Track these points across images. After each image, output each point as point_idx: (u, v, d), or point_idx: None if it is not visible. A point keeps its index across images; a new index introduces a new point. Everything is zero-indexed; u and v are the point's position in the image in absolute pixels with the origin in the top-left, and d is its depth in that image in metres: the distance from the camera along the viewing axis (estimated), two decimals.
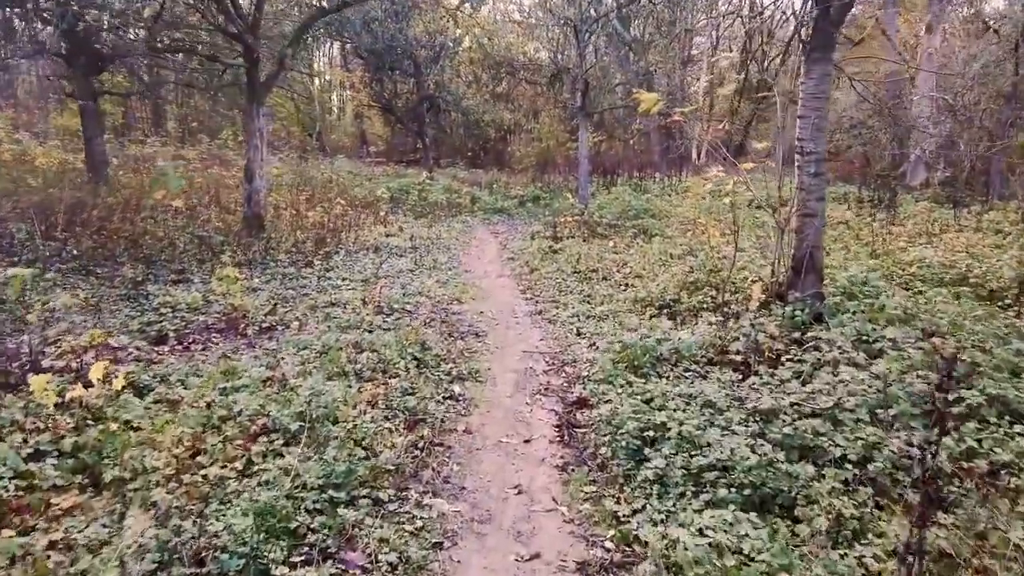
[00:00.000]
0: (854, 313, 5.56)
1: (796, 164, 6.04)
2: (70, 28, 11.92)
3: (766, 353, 5.25)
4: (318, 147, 31.95)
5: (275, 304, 7.51)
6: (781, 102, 7.80)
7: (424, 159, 24.88)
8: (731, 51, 28.30)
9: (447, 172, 24.84)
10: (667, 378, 5.12)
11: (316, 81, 34.69)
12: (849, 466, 3.62)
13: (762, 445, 3.85)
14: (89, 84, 14.95)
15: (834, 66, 5.95)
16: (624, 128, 33.10)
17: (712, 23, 36.82)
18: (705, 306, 7.24)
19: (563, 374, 6.05)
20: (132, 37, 12.67)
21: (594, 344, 6.61)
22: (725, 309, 6.85)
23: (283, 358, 5.76)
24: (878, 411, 3.99)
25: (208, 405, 4.46)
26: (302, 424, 4.17)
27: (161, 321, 6.86)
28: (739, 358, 5.31)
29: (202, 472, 3.59)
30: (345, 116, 42.66)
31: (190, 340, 6.58)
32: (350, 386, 4.97)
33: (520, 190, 20.80)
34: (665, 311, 7.46)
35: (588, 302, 8.36)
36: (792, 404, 4.13)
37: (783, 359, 5.12)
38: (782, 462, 3.61)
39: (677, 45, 30.52)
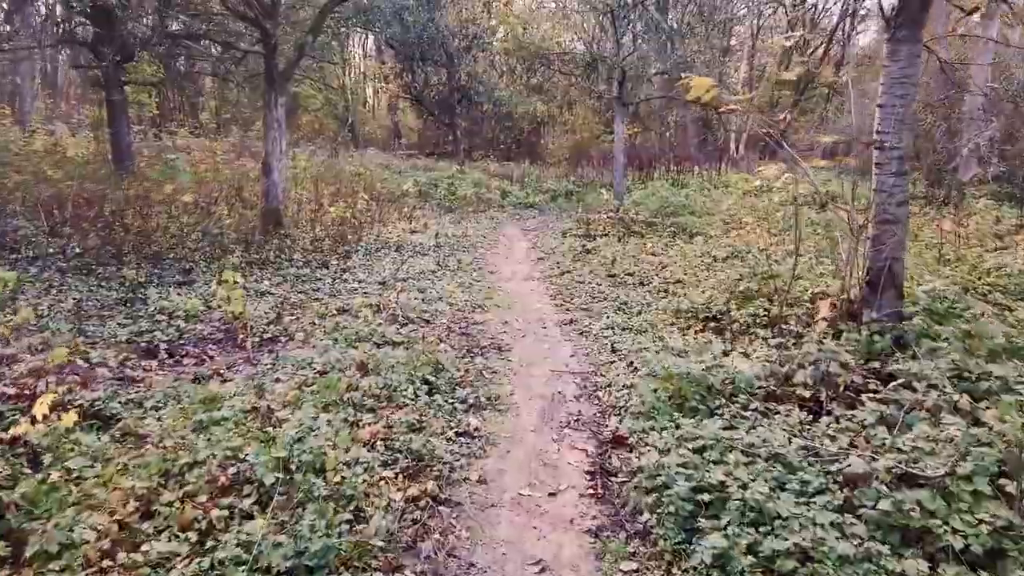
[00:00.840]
0: (947, 340, 4.60)
1: (874, 161, 5.09)
2: (87, 9, 11.40)
3: (841, 388, 4.34)
4: (350, 139, 31.46)
5: (279, 312, 6.79)
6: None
7: (455, 152, 24.10)
8: (792, 31, 26.80)
9: (479, 165, 24.04)
10: (721, 416, 4.25)
11: (349, 72, 34.14)
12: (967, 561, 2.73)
13: (853, 524, 2.98)
14: (116, 73, 14.54)
15: (924, 47, 4.98)
16: (660, 120, 31.92)
17: (753, 11, 35.42)
18: (758, 320, 6.33)
19: (596, 401, 5.21)
20: (148, 22, 12.05)
21: (632, 364, 5.75)
22: (783, 326, 5.93)
23: (277, 379, 5.03)
24: (1002, 481, 3.08)
25: (175, 446, 3.72)
26: (280, 476, 3.41)
27: (154, 331, 6.19)
28: (807, 392, 4.41)
29: (144, 547, 2.85)
30: (379, 108, 42.16)
31: (183, 353, 5.89)
32: (347, 420, 4.21)
33: (552, 184, 19.91)
34: (712, 325, 6.56)
35: (624, 311, 7.49)
36: (888, 468, 3.23)
37: (862, 396, 4.21)
38: (886, 555, 2.74)
39: (718, 33, 29.24)
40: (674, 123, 31.41)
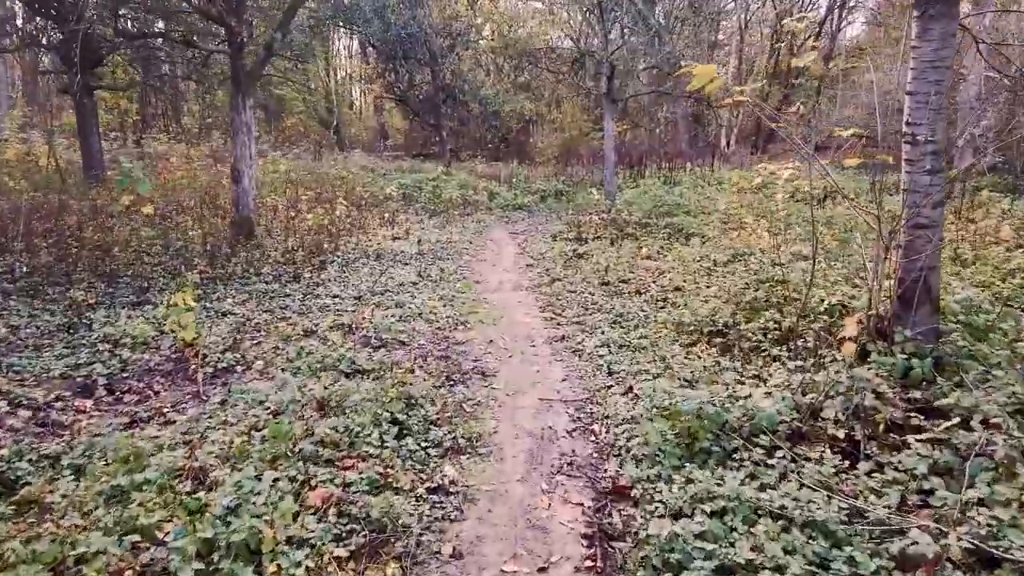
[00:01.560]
0: (999, 364, 3.94)
1: (904, 157, 4.41)
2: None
3: (880, 426, 3.67)
4: (335, 142, 30.65)
5: (236, 338, 6.06)
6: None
7: (441, 152, 23.36)
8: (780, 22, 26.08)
9: (466, 166, 23.30)
10: (741, 464, 3.57)
11: (333, 74, 33.33)
12: None
13: None
14: (84, 79, 13.83)
15: (960, 25, 4.30)
16: (650, 116, 31.25)
17: (741, 5, 34.80)
18: (769, 335, 5.66)
19: (592, 437, 4.52)
20: (96, 17, 11.26)
21: (631, 390, 5.07)
22: (799, 343, 5.26)
23: (225, 421, 4.31)
24: None
25: (75, 527, 3.01)
26: (201, 568, 2.71)
27: (94, 363, 5.46)
28: (839, 431, 3.73)
29: None
30: (366, 110, 41.34)
31: (125, 389, 5.17)
32: (296, 478, 3.50)
33: (542, 184, 19.21)
34: (718, 341, 5.89)
35: (620, 324, 6.80)
36: (964, 548, 2.55)
37: (906, 435, 3.54)
38: None
39: (706, 28, 28.57)
40: (664, 119, 30.77)
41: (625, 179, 19.78)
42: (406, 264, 9.78)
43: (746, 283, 7.01)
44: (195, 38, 11.35)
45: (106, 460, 3.71)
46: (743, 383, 4.61)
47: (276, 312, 7.07)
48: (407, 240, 11.50)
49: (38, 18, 15.76)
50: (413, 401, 4.58)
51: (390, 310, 7.21)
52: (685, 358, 5.56)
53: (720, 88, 4.45)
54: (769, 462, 3.53)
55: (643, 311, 7.12)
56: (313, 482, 3.49)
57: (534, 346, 6.45)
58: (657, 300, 7.51)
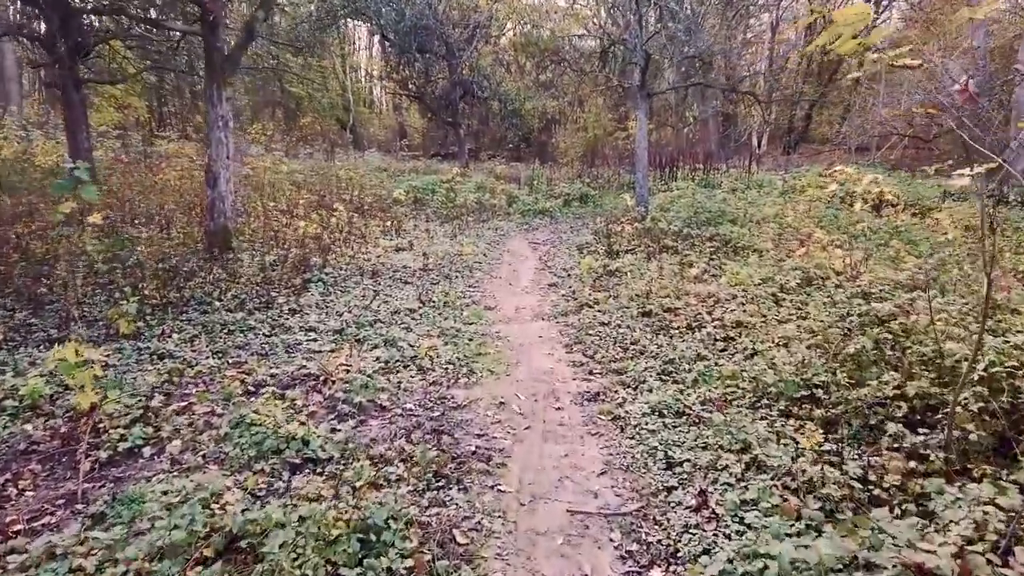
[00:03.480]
0: None
1: None
2: None
3: None
4: (351, 141, 29.16)
5: (147, 407, 4.39)
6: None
7: (459, 152, 21.70)
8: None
9: (485, 166, 21.62)
10: None
11: (349, 70, 31.85)
12: None
13: None
14: (71, 71, 12.49)
15: None
16: (678, 116, 29.33)
17: (773, 1, 32.75)
18: (891, 409, 3.91)
19: None
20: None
21: (704, 503, 3.36)
22: (952, 431, 3.49)
23: (97, 547, 2.68)
24: None
25: None
26: None
27: None
28: None
29: None
30: (385, 108, 39.86)
31: None
32: None
33: (565, 187, 17.45)
34: (816, 413, 4.14)
35: (673, 377, 5.08)
36: None
37: None
38: None
39: (739, 19, 26.60)
40: (693, 118, 28.79)
41: (655, 181, 17.99)
42: (406, 283, 8.12)
43: (836, 321, 5.25)
44: (163, 16, 9.77)
45: None
46: (898, 516, 2.86)
47: (230, 354, 5.44)
48: (412, 251, 9.85)
49: (29, 7, 14.48)
50: (373, 535, 2.90)
51: (376, 351, 5.54)
52: (777, 444, 3.82)
53: (861, 49, 2.73)
54: None
55: (701, 357, 5.38)
56: None
57: (560, 408, 4.74)
58: (717, 340, 5.76)
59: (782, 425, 4.07)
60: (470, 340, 6.06)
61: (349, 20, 24.08)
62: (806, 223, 9.08)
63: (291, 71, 19.76)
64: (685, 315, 6.45)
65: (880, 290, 6.04)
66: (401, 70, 21.41)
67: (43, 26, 13.17)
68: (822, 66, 33.53)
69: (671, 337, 6.00)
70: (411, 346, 5.70)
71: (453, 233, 11.82)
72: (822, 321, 5.56)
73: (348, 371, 4.89)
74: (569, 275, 8.87)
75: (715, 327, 6.04)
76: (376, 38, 29.27)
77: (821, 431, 3.92)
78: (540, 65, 29.54)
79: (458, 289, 7.97)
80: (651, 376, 5.12)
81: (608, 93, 27.33)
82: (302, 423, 3.99)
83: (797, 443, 3.83)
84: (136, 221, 9.28)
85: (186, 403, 4.46)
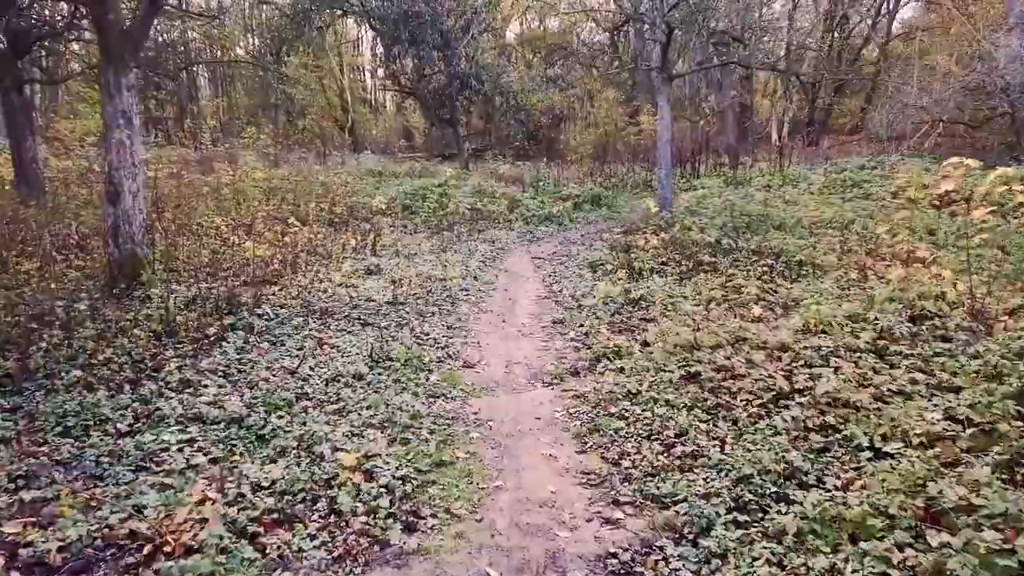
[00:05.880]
0: None
1: None
2: None
3: None
4: (350, 143, 27.16)
5: None
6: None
7: (458, 152, 19.55)
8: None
9: (488, 167, 19.41)
10: None
11: (347, 70, 29.82)
12: None
13: None
14: (10, 69, 10.80)
15: None
16: (694, 106, 26.99)
17: None
18: None
19: None
20: None
21: None
22: None
23: None
24: None
25: None
26: None
27: None
28: None
29: None
30: (387, 109, 37.84)
31: None
32: None
33: (575, 188, 15.25)
34: None
35: (751, 516, 2.93)
36: None
37: None
38: None
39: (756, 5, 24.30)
40: (710, 109, 26.40)
41: (676, 179, 15.75)
42: (366, 325, 5.99)
43: (1002, 404, 3.07)
44: None
45: None
46: None
47: (39, 478, 3.34)
48: (383, 276, 7.72)
49: None
50: None
51: (271, 467, 3.42)
52: None
53: None
54: None
55: (795, 470, 3.20)
56: None
57: None
58: (809, 429, 3.59)
59: None
60: (431, 434, 3.92)
61: (346, 17, 22.11)
62: (902, 233, 6.80)
63: (272, 70, 17.72)
64: (751, 383, 4.26)
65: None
66: (392, 63, 19.28)
67: None
68: (843, 50, 31.10)
69: (734, 422, 3.83)
70: (335, 452, 3.57)
71: (442, 247, 9.68)
72: (979, 400, 3.39)
73: (197, 534, 2.76)
74: (580, 305, 6.71)
75: (803, 403, 3.86)
76: (364, 28, 27.17)
77: None
78: (547, 59, 27.38)
79: (432, 334, 5.83)
80: (718, 512, 2.96)
81: (620, 86, 25.11)
82: None
83: None
84: (30, 249, 7.24)
85: None
